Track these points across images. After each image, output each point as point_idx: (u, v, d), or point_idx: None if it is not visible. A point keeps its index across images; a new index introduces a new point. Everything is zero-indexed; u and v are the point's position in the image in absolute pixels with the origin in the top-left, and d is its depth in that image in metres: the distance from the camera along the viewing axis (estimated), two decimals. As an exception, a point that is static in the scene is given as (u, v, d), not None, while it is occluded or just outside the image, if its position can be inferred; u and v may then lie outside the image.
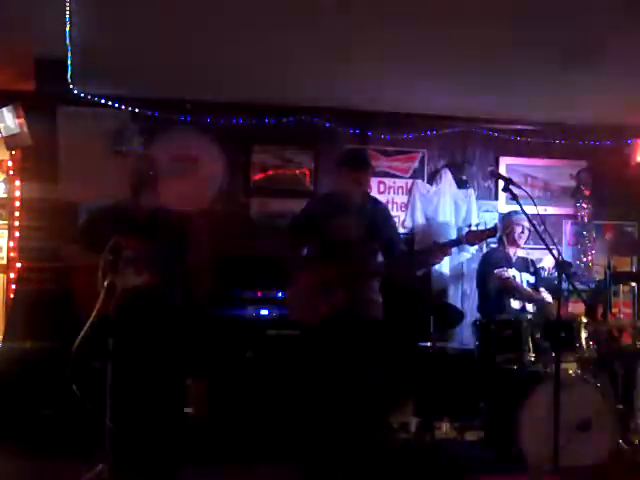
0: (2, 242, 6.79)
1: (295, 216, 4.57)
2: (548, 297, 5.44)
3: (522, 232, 5.48)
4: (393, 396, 5.36)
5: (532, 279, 5.53)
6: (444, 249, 4.25)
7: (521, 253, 5.66)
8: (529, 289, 5.45)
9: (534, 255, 5.89)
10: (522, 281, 5.47)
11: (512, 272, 5.45)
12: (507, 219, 5.57)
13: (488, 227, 4.31)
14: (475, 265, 6.44)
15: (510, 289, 5.36)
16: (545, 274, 6.10)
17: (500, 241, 5.57)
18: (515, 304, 5.37)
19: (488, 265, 5.51)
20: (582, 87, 5.45)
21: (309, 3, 4.25)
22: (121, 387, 3.72)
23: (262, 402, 5.21)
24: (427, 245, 5.31)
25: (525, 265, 5.58)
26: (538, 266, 5.78)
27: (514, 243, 5.51)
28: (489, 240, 4.99)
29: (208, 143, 6.09)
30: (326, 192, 4.96)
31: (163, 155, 5.40)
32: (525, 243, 5.61)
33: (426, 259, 4.39)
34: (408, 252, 4.55)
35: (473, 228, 4.28)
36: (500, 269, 5.38)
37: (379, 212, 4.45)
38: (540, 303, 5.37)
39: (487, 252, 5.85)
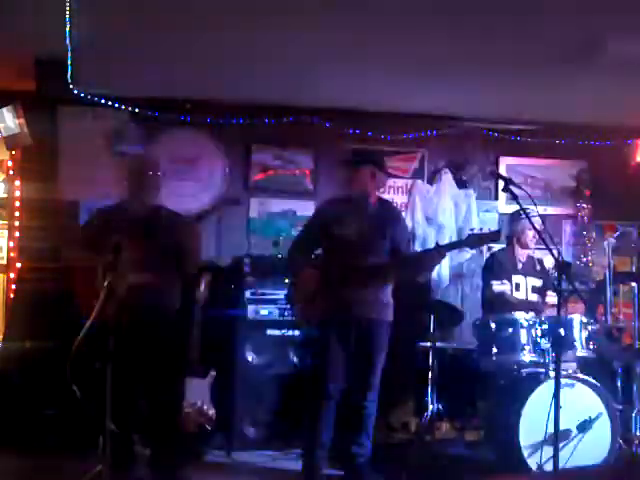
0: (2, 242, 6.79)
1: (297, 236, 4.58)
2: (554, 300, 5.00)
3: (534, 235, 5.08)
4: (393, 395, 5.36)
5: (538, 282, 5.31)
6: (443, 252, 4.21)
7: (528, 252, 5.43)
8: (525, 298, 5.21)
9: (535, 255, 5.82)
10: (527, 286, 5.28)
11: (516, 279, 5.24)
12: (519, 221, 5.20)
13: (491, 230, 4.24)
14: (475, 265, 6.44)
15: (503, 304, 5.09)
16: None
17: (509, 242, 5.35)
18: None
19: (490, 271, 5.30)
20: (582, 87, 5.45)
21: (310, 3, 4.26)
22: (121, 387, 3.73)
23: (262, 402, 5.21)
24: (427, 248, 5.27)
25: (532, 265, 5.35)
26: (546, 266, 5.46)
27: (525, 246, 5.28)
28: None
29: (208, 143, 6.09)
30: (335, 195, 4.90)
31: (163, 155, 5.40)
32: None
33: (425, 262, 4.35)
34: (410, 255, 4.51)
35: (476, 231, 4.22)
36: (498, 281, 5.16)
37: (390, 214, 4.42)
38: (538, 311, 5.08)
39: (493, 254, 5.56)
